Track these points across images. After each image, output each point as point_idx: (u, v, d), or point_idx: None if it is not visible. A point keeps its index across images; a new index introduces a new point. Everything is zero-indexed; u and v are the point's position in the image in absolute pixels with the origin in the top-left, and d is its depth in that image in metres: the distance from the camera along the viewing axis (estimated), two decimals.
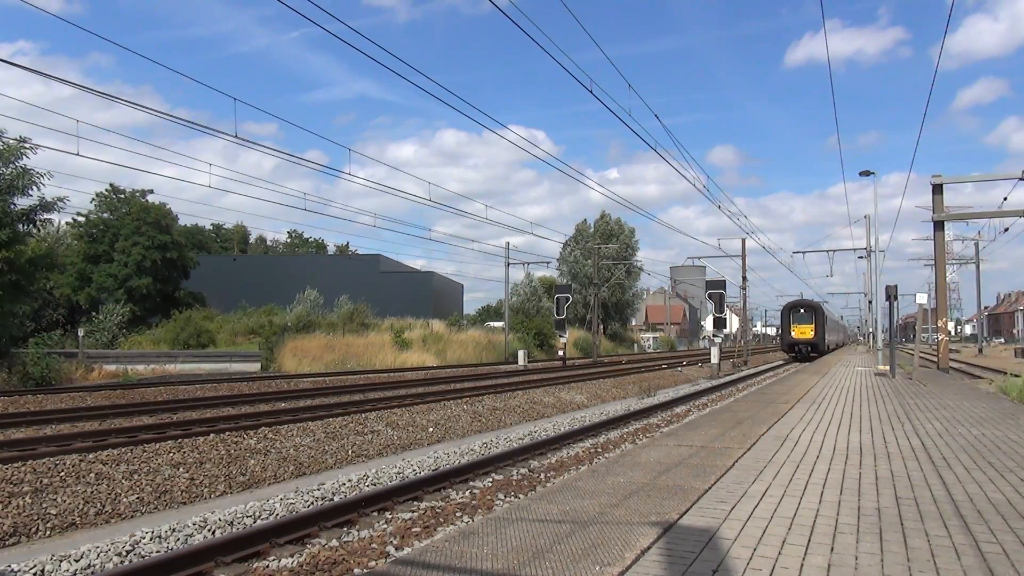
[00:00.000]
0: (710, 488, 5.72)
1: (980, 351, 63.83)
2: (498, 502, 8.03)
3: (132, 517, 8.19)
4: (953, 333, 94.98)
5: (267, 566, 5.96)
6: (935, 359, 28.88)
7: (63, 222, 44.67)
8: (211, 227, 75.13)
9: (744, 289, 45.70)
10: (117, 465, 9.46)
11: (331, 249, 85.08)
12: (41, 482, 8.50)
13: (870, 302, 37.66)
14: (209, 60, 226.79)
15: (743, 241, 43.75)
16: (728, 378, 30.29)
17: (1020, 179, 22.86)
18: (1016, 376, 19.80)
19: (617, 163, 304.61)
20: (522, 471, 10.02)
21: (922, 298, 27.17)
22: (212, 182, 39.51)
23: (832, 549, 4.11)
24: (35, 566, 5.99)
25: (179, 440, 11.07)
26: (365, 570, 5.75)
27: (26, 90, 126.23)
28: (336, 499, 8.42)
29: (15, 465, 8.92)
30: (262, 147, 72.76)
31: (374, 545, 6.38)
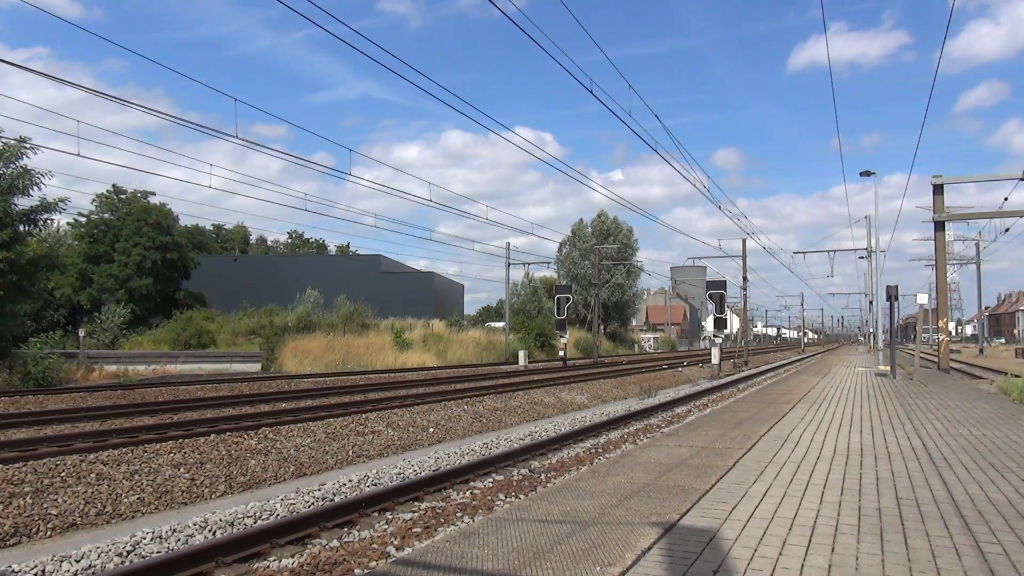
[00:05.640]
0: (711, 488, 5.72)
1: (981, 351, 63.83)
2: (499, 502, 8.03)
3: (133, 517, 8.19)
4: (954, 333, 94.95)
5: (268, 566, 5.96)
6: (936, 359, 28.87)
7: (64, 222, 44.80)
8: (212, 228, 75.13)
9: (745, 290, 45.70)
10: (118, 465, 9.47)
11: (332, 250, 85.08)
12: (42, 482, 8.50)
13: (871, 302, 37.65)
14: (215, 60, 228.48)
15: (743, 242, 43.74)
16: (729, 378, 30.30)
17: (1021, 179, 22.85)
18: (1017, 376, 19.79)
19: (622, 165, 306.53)
20: (523, 471, 10.02)
21: (923, 298, 27.16)
22: (216, 183, 39.61)
23: (833, 549, 4.11)
24: (36, 566, 5.99)
25: (180, 440, 11.08)
26: (366, 570, 5.75)
27: (38, 94, 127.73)
28: (337, 499, 8.43)
29: (16, 465, 8.93)
30: (266, 149, 72.31)
31: (375, 545, 6.39)
